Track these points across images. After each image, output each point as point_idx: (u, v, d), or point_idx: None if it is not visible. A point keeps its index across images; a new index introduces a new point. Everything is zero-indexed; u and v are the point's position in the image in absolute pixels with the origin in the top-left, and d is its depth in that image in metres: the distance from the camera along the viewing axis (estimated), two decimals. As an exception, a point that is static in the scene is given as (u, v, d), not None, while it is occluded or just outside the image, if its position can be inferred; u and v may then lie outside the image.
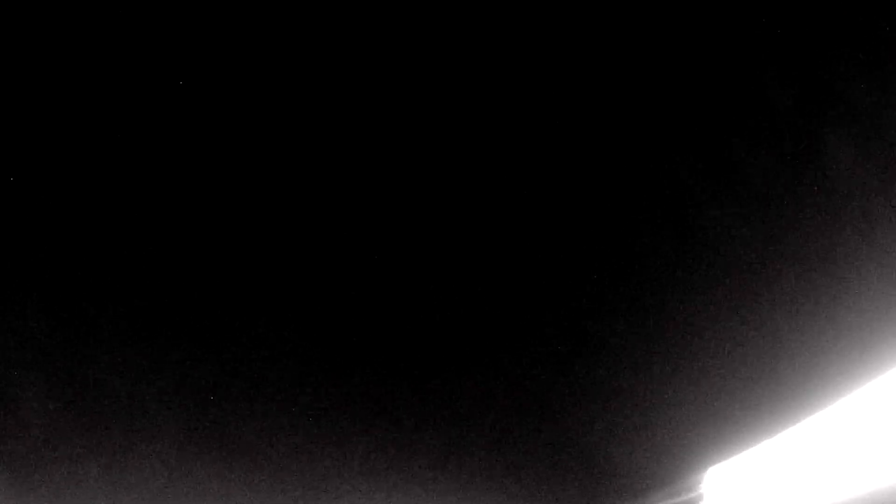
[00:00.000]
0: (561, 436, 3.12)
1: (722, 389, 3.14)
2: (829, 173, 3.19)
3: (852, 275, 3.18)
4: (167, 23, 3.10)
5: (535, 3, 3.17)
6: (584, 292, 3.15)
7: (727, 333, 3.16)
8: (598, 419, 3.13)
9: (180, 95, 3.08)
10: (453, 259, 3.13)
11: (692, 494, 3.14)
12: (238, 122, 3.10)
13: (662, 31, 3.18)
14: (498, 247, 3.14)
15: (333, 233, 3.11)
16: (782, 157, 3.18)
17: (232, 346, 3.07)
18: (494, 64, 3.16)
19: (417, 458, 3.10)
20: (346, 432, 3.09)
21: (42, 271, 3.06)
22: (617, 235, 3.16)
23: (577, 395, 3.13)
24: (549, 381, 3.13)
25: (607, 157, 3.17)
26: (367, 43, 3.14)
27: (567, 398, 3.13)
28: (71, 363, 3.05)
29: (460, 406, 3.11)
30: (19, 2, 3.07)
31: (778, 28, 3.19)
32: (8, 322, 3.05)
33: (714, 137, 3.18)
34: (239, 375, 3.07)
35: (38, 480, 3.05)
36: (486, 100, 3.15)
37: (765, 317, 3.16)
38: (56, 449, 3.04)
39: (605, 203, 3.16)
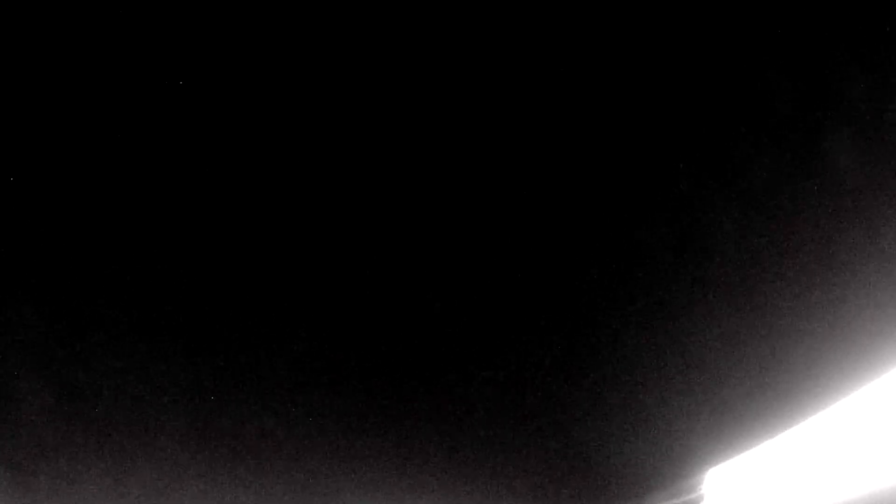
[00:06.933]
0: (561, 436, 3.12)
1: (722, 390, 3.14)
2: (829, 173, 3.19)
3: (853, 275, 3.18)
4: (167, 23, 3.10)
5: (536, 2, 3.17)
6: (584, 292, 3.15)
7: (727, 333, 3.16)
8: (598, 419, 3.13)
9: (180, 95, 3.08)
10: (454, 259, 3.13)
11: (693, 495, 3.14)
12: (238, 122, 3.10)
13: (662, 30, 3.18)
14: (498, 247, 3.14)
15: (334, 233, 3.11)
16: (782, 157, 3.18)
17: (233, 347, 3.07)
18: (494, 63, 3.16)
19: (416, 459, 3.11)
20: (345, 432, 3.09)
21: (41, 271, 3.06)
22: (616, 235, 3.16)
23: (576, 396, 3.13)
24: (549, 381, 3.13)
25: (608, 158, 3.17)
26: (367, 43, 3.14)
27: (567, 398, 3.13)
28: (71, 363, 3.05)
29: (459, 406, 3.11)
30: (19, 2, 3.07)
31: (778, 28, 3.19)
32: (7, 322, 3.05)
33: (714, 138, 3.18)
34: (240, 375, 3.07)
35: (38, 480, 3.05)
36: (486, 99, 3.15)
37: (765, 317, 3.16)
38: (56, 449, 3.04)
39: (604, 204, 3.16)
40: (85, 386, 3.04)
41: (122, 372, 3.05)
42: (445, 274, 3.12)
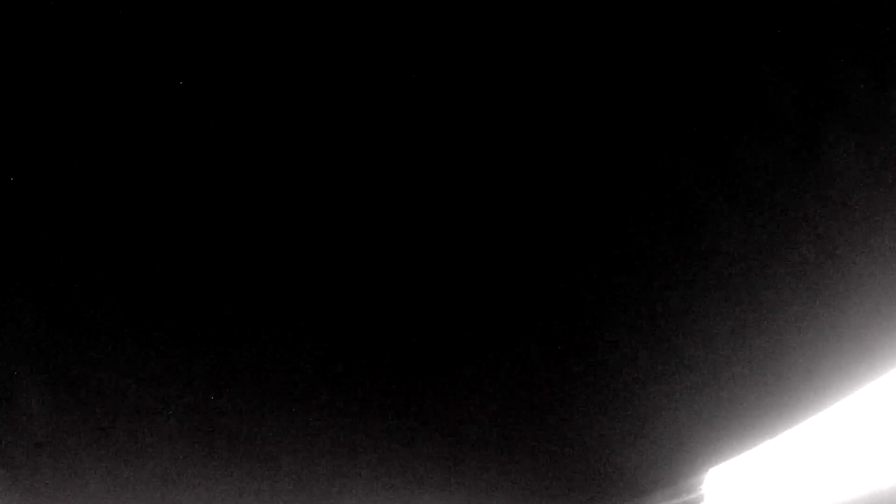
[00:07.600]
0: (561, 436, 3.12)
1: (722, 390, 3.14)
2: (829, 173, 3.19)
3: (852, 275, 3.18)
4: (167, 23, 3.10)
5: (537, 2, 3.17)
6: (585, 293, 3.15)
7: (728, 334, 3.16)
8: (598, 419, 3.13)
9: (180, 95, 3.08)
10: (455, 260, 3.13)
11: (693, 495, 3.14)
12: (238, 122, 3.10)
13: (663, 30, 3.18)
14: (499, 248, 3.14)
15: (334, 233, 3.11)
16: (782, 157, 3.18)
17: (233, 346, 3.07)
18: (495, 63, 3.16)
19: (418, 458, 3.11)
20: (346, 433, 3.09)
21: (42, 271, 3.06)
22: (617, 237, 3.16)
23: (577, 396, 3.13)
24: (550, 382, 3.13)
25: (609, 159, 3.17)
26: (368, 43, 3.14)
27: (567, 399, 3.13)
28: (71, 363, 3.05)
29: (461, 406, 3.11)
30: (19, 2, 3.07)
31: (778, 28, 3.19)
32: (7, 322, 3.05)
33: (715, 139, 3.18)
34: (240, 376, 3.07)
35: (38, 480, 3.05)
36: (487, 100, 3.15)
37: (765, 317, 3.16)
38: (56, 449, 3.04)
39: (605, 204, 3.16)
40: (84, 385, 3.04)
41: (122, 371, 3.05)
42: (447, 276, 3.12)
